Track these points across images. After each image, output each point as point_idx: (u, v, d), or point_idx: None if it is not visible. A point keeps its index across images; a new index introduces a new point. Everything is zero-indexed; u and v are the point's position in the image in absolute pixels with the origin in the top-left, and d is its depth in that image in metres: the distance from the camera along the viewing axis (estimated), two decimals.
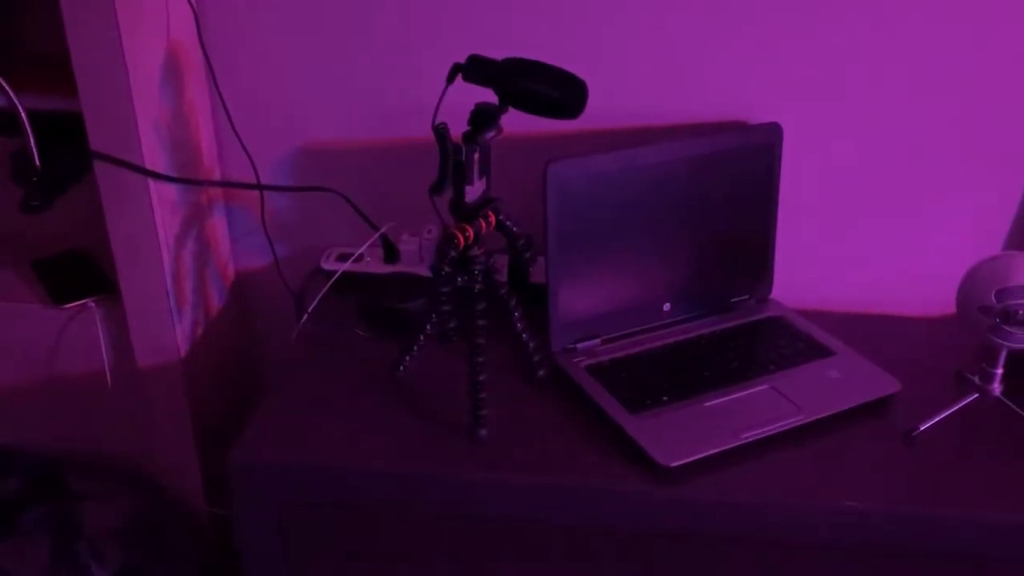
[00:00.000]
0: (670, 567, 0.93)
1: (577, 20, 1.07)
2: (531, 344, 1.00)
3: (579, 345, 1.05)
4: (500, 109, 0.83)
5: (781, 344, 1.06)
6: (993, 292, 0.87)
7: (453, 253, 0.87)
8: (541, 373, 1.01)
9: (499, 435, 0.93)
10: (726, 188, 1.08)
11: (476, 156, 0.85)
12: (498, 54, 0.84)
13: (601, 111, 1.10)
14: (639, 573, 0.93)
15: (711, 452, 0.89)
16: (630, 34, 1.08)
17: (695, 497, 0.87)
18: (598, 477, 0.89)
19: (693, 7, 1.06)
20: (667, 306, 1.10)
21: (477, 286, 0.90)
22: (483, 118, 0.83)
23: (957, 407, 0.95)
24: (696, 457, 0.88)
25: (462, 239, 0.87)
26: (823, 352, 1.05)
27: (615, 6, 1.06)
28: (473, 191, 0.88)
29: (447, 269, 0.87)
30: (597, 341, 1.06)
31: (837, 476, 0.89)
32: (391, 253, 1.15)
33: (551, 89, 0.80)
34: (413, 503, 0.92)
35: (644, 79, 1.10)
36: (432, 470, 0.90)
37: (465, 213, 0.88)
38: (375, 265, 1.16)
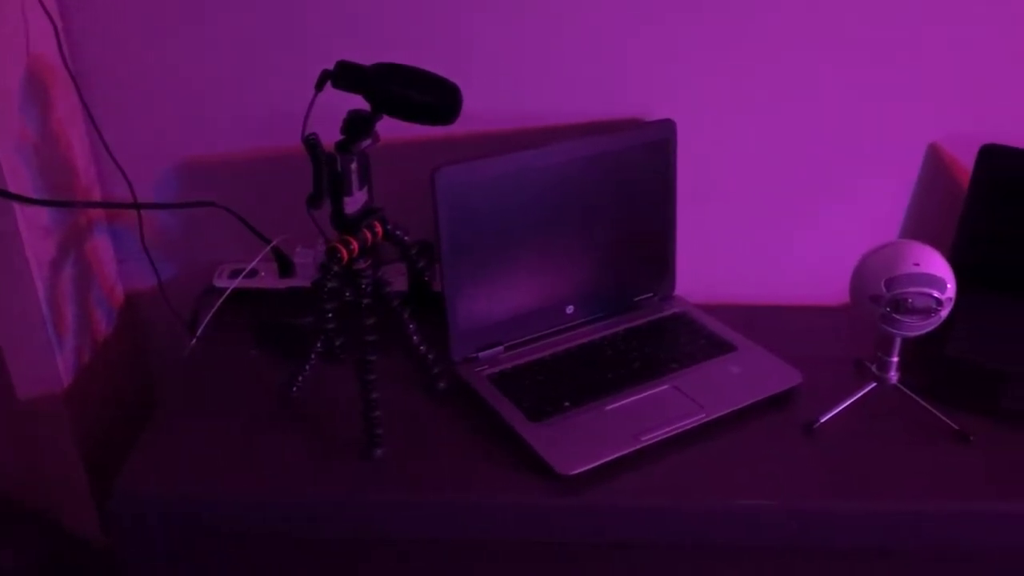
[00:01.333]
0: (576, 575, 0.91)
1: (460, 20, 1.05)
2: (429, 356, 0.98)
3: (481, 354, 1.02)
4: (373, 116, 0.80)
5: (683, 342, 1.06)
6: (882, 281, 0.87)
7: (336, 268, 0.84)
8: (441, 385, 0.98)
9: (397, 453, 0.90)
10: (623, 186, 1.06)
11: (353, 166, 0.82)
12: (380, 58, 0.81)
13: (494, 113, 1.09)
14: None
15: (610, 457, 0.87)
16: (517, 34, 1.06)
17: (596, 504, 0.85)
18: (499, 490, 0.87)
19: (583, 5, 1.04)
20: (570, 308, 1.08)
21: (365, 300, 0.87)
22: (357, 126, 0.80)
23: (855, 397, 0.95)
24: (595, 464, 0.86)
25: (345, 253, 0.84)
26: (725, 348, 1.04)
27: (498, 4, 1.04)
28: (354, 202, 0.85)
29: (330, 284, 0.84)
30: (500, 349, 1.03)
31: (739, 474, 0.88)
32: (285, 267, 1.11)
33: (423, 94, 0.78)
34: (310, 529, 0.88)
35: (537, 79, 1.08)
36: (328, 494, 0.87)
37: (347, 225, 0.85)
38: (270, 280, 1.12)
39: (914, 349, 1.05)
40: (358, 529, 0.88)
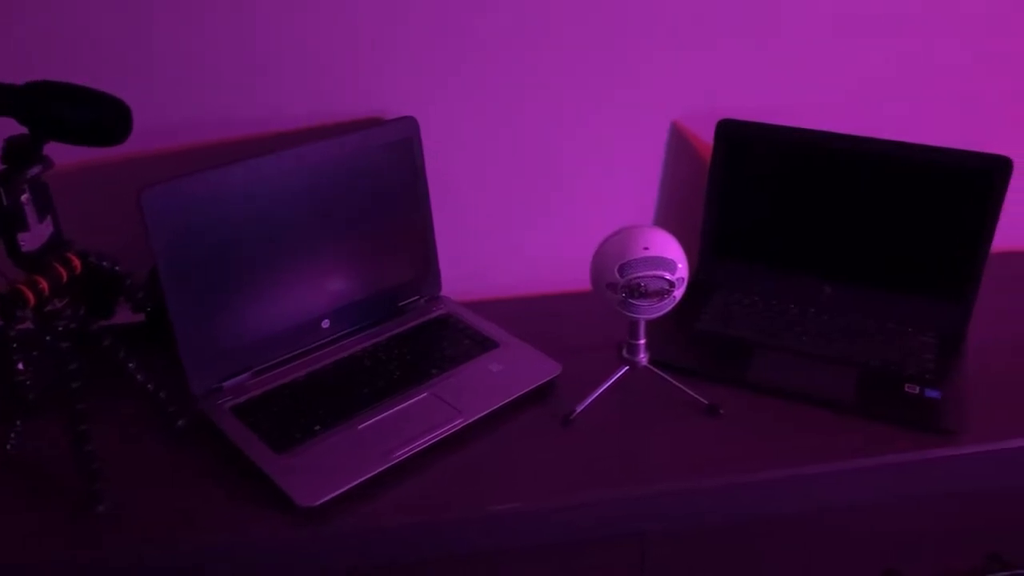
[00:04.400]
0: None
1: (190, 31, 0.96)
2: (161, 394, 0.90)
3: (226, 384, 0.95)
4: (35, 141, 0.71)
5: (446, 345, 1.02)
6: (615, 268, 0.87)
7: (20, 313, 0.74)
8: (179, 424, 0.91)
9: (130, 503, 0.82)
10: (370, 189, 1.02)
11: (25, 197, 0.73)
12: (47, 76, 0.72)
13: (220, 122, 1.01)
14: None
15: (358, 481, 0.82)
16: (244, 38, 0.98)
17: (344, 532, 0.80)
18: (241, 532, 0.80)
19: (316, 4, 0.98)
20: (326, 323, 1.02)
21: (63, 344, 0.78)
22: (17, 154, 0.71)
23: (608, 383, 0.95)
24: (341, 490, 0.81)
25: (31, 296, 0.75)
26: (488, 345, 1.02)
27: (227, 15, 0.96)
28: (35, 237, 0.75)
29: (13, 331, 0.75)
30: (247, 375, 0.97)
31: (499, 476, 0.86)
32: None
33: (79, 112, 0.70)
34: None
35: (266, 83, 1.01)
36: (49, 557, 0.78)
37: (30, 264, 0.76)
38: None
39: (673, 326, 1.07)
40: None
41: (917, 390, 0.95)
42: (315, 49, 1.01)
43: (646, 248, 0.86)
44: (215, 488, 0.85)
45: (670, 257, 0.87)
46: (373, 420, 0.90)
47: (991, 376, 0.99)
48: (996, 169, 1.00)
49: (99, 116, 0.70)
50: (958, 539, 0.98)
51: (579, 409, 0.93)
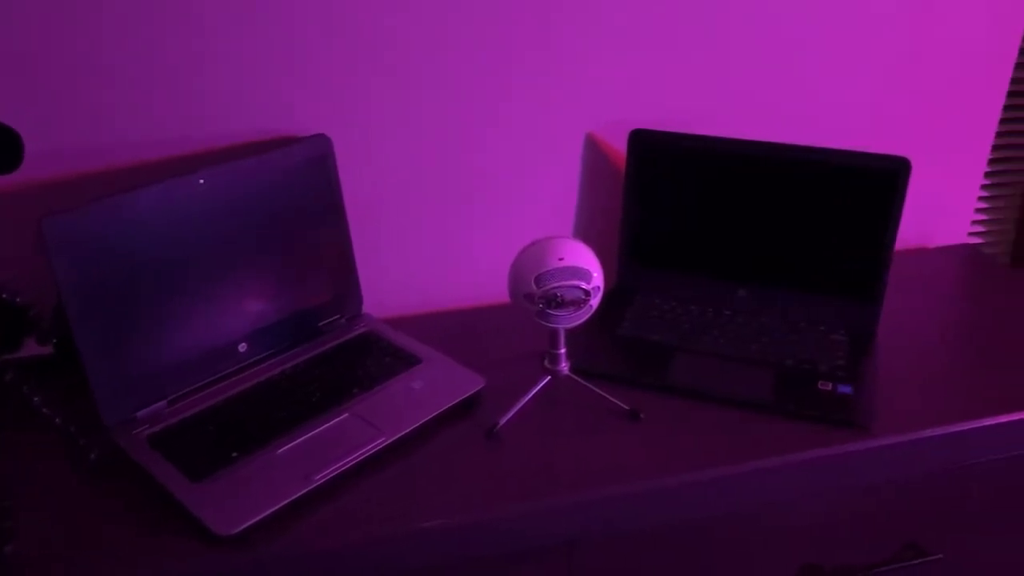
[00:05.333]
0: None
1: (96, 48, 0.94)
2: (71, 427, 0.87)
3: (139, 413, 0.92)
4: None
5: (368, 363, 1.02)
6: (532, 279, 0.87)
7: None
8: (92, 457, 0.88)
9: (37, 546, 0.79)
10: (284, 209, 1.00)
11: None
12: None
13: (127, 145, 0.99)
14: None
15: (278, 506, 0.81)
16: (155, 59, 0.96)
17: (263, 560, 0.79)
18: (161, 563, 0.78)
19: (217, 22, 0.97)
20: (243, 347, 1.00)
21: None
22: None
23: (531, 394, 0.96)
24: (260, 516, 0.80)
25: None
26: (410, 362, 1.01)
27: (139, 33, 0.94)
28: None
29: None
30: (163, 403, 0.94)
31: (422, 494, 0.86)
32: None
33: None
34: None
35: (174, 104, 0.99)
36: None
37: None
38: None
39: (595, 333, 1.08)
40: None
41: (830, 387, 0.98)
42: (224, 69, 0.99)
43: (561, 259, 0.87)
44: (133, 522, 0.82)
45: (585, 267, 0.88)
46: (293, 444, 0.89)
47: (900, 371, 1.03)
48: (896, 170, 1.04)
49: None
50: (875, 531, 1.01)
51: (503, 421, 0.94)
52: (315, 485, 0.84)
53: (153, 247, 0.90)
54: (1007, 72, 1.26)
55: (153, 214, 0.90)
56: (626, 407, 0.96)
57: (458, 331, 1.12)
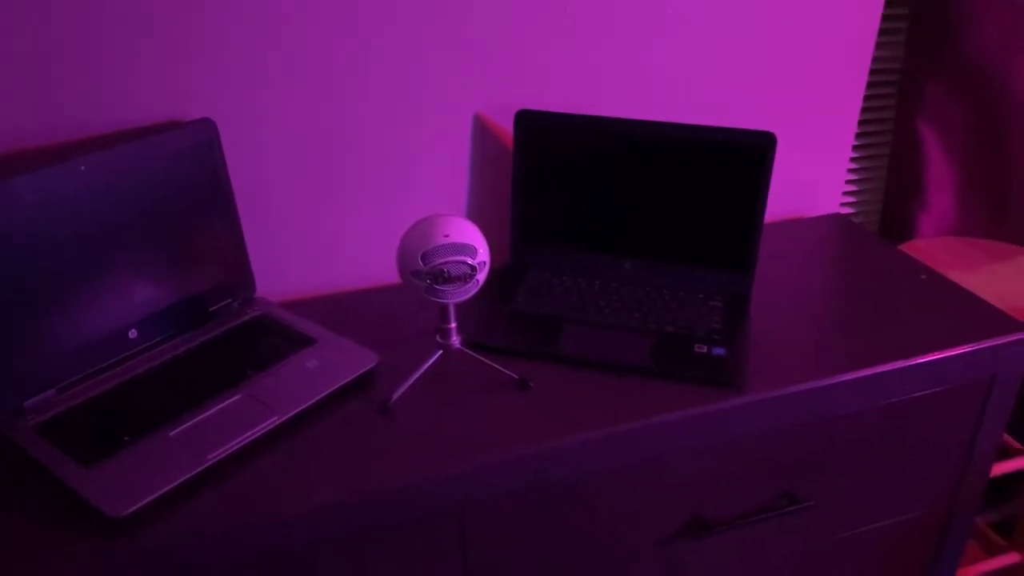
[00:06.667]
0: None
1: None
2: None
3: (27, 403, 0.91)
4: None
5: (261, 345, 1.03)
6: (419, 256, 0.90)
7: None
8: None
9: None
10: (172, 194, 1.00)
11: None
12: None
13: (5, 135, 0.97)
14: None
15: (170, 486, 0.82)
16: (26, 38, 0.95)
17: (161, 540, 0.80)
18: (58, 550, 0.78)
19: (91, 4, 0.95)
20: (133, 333, 1.00)
21: None
22: None
23: (424, 369, 0.99)
24: (153, 496, 0.81)
25: None
26: (304, 343, 1.03)
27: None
28: None
29: None
30: (51, 392, 0.93)
31: (315, 470, 0.88)
32: None
33: None
34: None
35: (56, 88, 0.98)
36: None
37: None
38: None
39: (491, 308, 1.12)
40: None
41: (705, 350, 1.04)
42: (107, 53, 0.98)
43: (446, 235, 0.90)
44: (26, 511, 0.82)
45: (470, 243, 0.91)
46: (185, 426, 0.89)
47: (771, 333, 1.10)
48: (763, 144, 1.11)
49: None
50: (752, 481, 1.08)
51: (396, 396, 0.96)
52: (207, 465, 0.85)
53: (37, 234, 0.89)
54: (869, 49, 1.34)
55: (36, 201, 0.88)
56: (516, 376, 1.00)
57: (351, 312, 1.14)
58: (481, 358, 1.00)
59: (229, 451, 0.87)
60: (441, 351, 0.99)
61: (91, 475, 0.83)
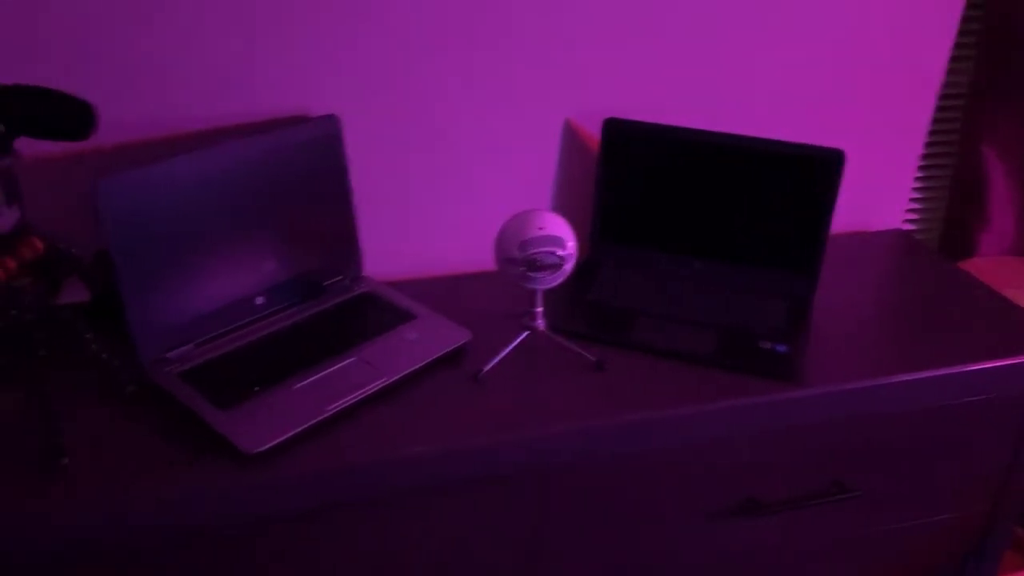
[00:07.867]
0: (272, 552, 0.99)
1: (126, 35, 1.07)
2: (114, 362, 1.00)
3: (170, 354, 1.06)
4: (6, 135, 0.81)
5: (368, 317, 1.16)
6: (515, 245, 1.02)
7: None
8: (129, 389, 1.01)
9: (85, 461, 0.92)
10: (297, 182, 1.14)
11: None
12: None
13: (157, 119, 1.12)
14: (243, 561, 0.98)
15: (297, 430, 0.95)
16: (174, 39, 1.09)
17: (287, 475, 0.93)
18: (195, 478, 0.92)
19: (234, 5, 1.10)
20: (260, 300, 1.14)
21: (28, 317, 0.88)
22: None
23: (512, 346, 1.10)
24: (282, 438, 0.94)
25: (2, 273, 0.85)
26: (406, 317, 1.16)
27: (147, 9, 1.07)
28: (3, 222, 0.85)
29: None
30: (191, 346, 1.08)
31: (417, 425, 1.00)
32: None
33: (52, 113, 0.81)
34: None
35: (201, 84, 1.13)
36: (24, 509, 0.87)
37: None
38: None
39: (569, 297, 1.23)
40: (40, 543, 0.89)
41: (769, 346, 1.14)
42: (250, 54, 1.12)
43: (541, 228, 1.02)
44: (167, 444, 0.96)
45: (561, 235, 1.02)
46: (307, 381, 1.03)
47: (830, 335, 1.19)
48: (833, 160, 1.20)
49: (71, 118, 0.81)
50: (805, 469, 1.17)
51: (486, 368, 1.08)
52: (327, 415, 0.98)
53: (186, 210, 1.03)
54: (938, 76, 1.42)
55: (187, 181, 1.03)
56: (593, 359, 1.11)
57: (448, 294, 1.27)
58: (562, 341, 1.12)
59: (344, 405, 1.00)
60: (528, 332, 1.11)
61: (228, 416, 0.97)
